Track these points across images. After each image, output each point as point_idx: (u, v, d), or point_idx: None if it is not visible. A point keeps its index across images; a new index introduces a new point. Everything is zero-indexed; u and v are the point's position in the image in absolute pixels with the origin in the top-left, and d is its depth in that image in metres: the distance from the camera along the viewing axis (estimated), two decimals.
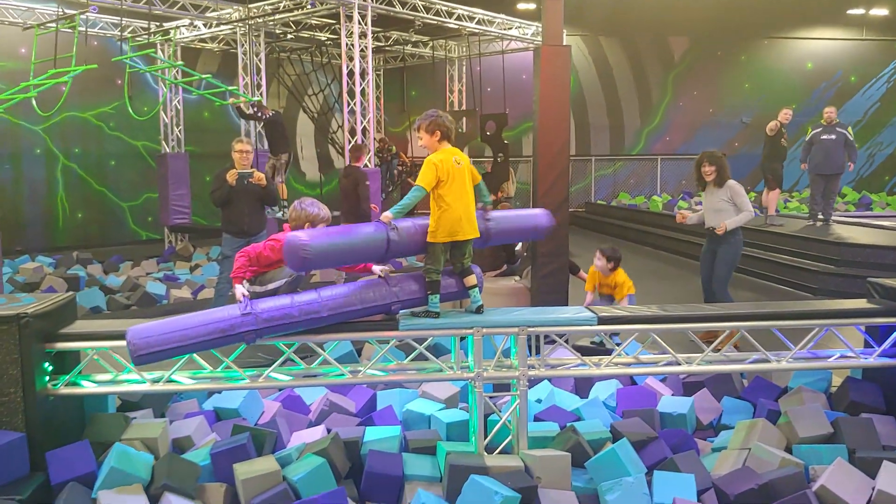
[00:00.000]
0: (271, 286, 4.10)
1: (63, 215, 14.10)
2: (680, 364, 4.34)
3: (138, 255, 12.33)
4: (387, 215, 4.08)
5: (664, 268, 11.91)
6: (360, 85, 10.43)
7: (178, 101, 13.58)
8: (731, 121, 20.42)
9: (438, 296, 4.18)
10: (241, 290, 3.95)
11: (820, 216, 11.12)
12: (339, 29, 12.57)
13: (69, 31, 9.95)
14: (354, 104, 10.47)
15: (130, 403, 4.75)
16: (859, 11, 20.44)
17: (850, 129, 11.01)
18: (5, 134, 13.04)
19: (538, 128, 6.32)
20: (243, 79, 12.25)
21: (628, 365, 4.48)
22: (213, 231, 14.80)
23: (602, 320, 4.20)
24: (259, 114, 11.25)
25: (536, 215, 4.80)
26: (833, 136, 10.58)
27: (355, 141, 10.53)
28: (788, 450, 4.29)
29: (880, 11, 20.43)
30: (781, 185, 11.97)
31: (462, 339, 4.53)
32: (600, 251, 6.78)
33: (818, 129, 10.78)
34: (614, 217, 16.65)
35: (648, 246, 14.02)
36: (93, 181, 14.49)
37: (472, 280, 4.30)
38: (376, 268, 4.30)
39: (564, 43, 6.68)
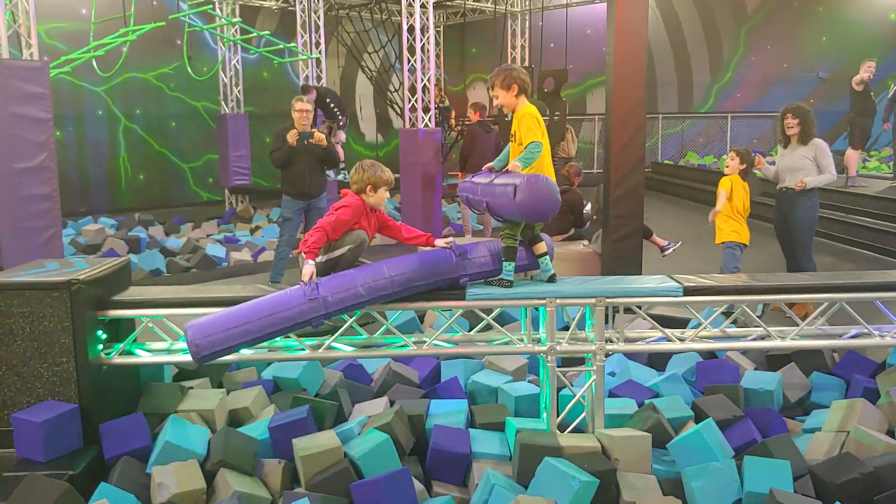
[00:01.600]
0: (335, 254, 3.85)
1: (125, 176, 14.17)
2: (772, 338, 3.95)
3: (199, 217, 12.32)
4: (515, 164, 3.76)
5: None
6: (421, 41, 10.05)
7: (237, 61, 13.41)
8: (808, 76, 19.34)
9: (514, 263, 3.89)
10: (310, 269, 3.69)
11: None
12: None
13: None
14: (415, 61, 10.10)
15: (187, 372, 4.61)
16: None
17: None
18: (67, 95, 13.05)
19: (612, 82, 5.91)
20: (302, 37, 11.99)
21: (715, 339, 4.11)
22: (273, 192, 14.72)
23: (688, 291, 3.84)
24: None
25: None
26: None
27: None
28: (891, 433, 3.90)
29: None
30: (866, 143, 11.24)
31: (535, 308, 4.23)
32: (734, 151, 6.21)
33: None
34: (683, 178, 15.99)
35: (705, 203, 13.40)
36: (154, 142, 14.50)
37: (542, 248, 3.99)
38: (440, 241, 4.04)
39: None
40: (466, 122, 9.64)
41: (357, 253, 3.93)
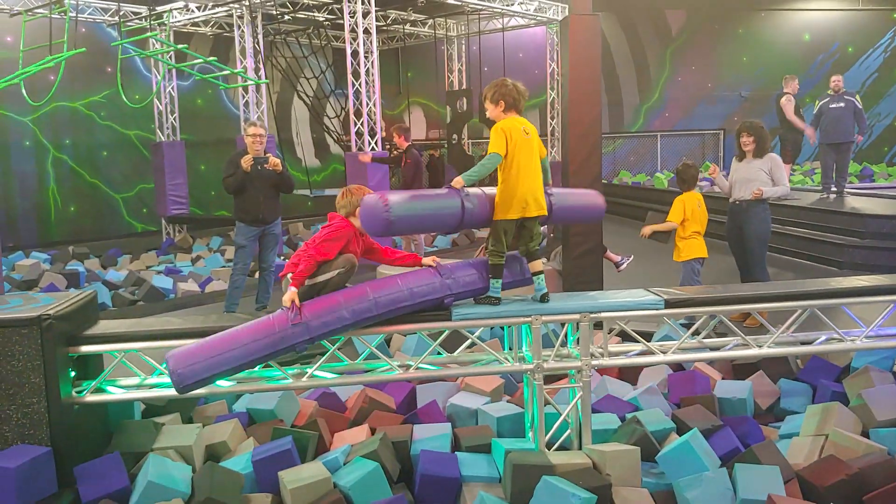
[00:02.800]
0: (321, 278, 3.74)
1: (55, 209, 13.65)
2: (750, 347, 4.04)
3: (135, 248, 11.95)
4: (458, 180, 3.76)
5: None
6: (365, 65, 10.03)
7: (173, 88, 13.13)
8: (731, 95, 20.11)
9: (501, 281, 3.87)
10: (292, 293, 3.59)
11: (833, 189, 10.86)
12: (338, 9, 12.20)
13: (58, 17, 9.53)
14: (359, 85, 10.07)
15: (156, 408, 4.42)
16: None
17: (858, 96, 10.75)
18: None
19: (568, 102, 6.02)
20: (241, 62, 11.82)
21: (693, 350, 4.17)
22: (211, 221, 14.44)
23: (669, 303, 3.89)
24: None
25: (592, 194, 4.51)
26: (842, 104, 10.32)
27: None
28: (866, 434, 4.02)
29: None
30: (798, 156, 11.71)
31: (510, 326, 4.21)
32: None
33: (826, 99, 10.53)
34: (618, 195, 16.31)
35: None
36: (85, 173, 14.03)
37: (538, 265, 3.98)
38: (427, 259, 4.00)
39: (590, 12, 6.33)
40: (411, 147, 9.52)
41: (346, 278, 3.83)
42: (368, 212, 3.65)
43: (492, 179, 3.99)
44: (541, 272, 3.97)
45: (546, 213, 3.93)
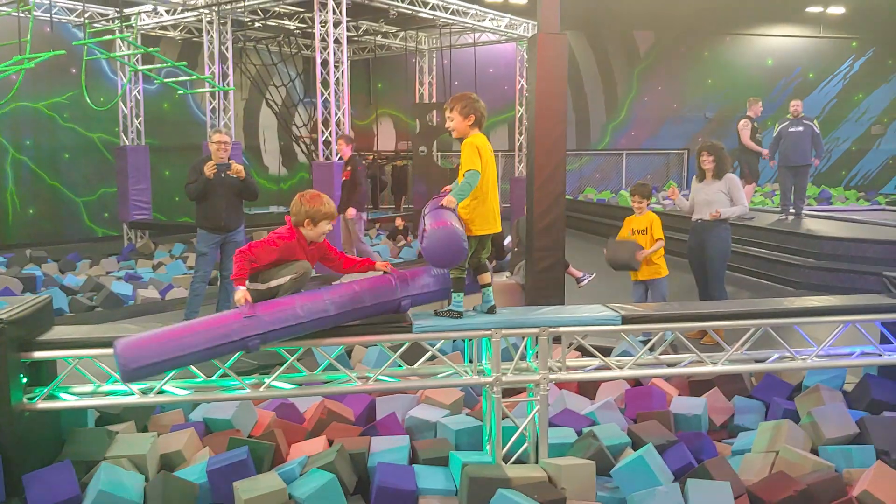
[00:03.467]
0: (273, 283, 3.73)
1: (13, 211, 13.38)
2: (705, 364, 4.11)
3: (96, 253, 11.76)
4: (451, 200, 3.77)
5: None
6: (335, 75, 10.04)
7: (139, 92, 12.99)
8: (696, 115, 20.49)
9: (462, 294, 3.90)
10: (242, 292, 3.58)
11: (791, 210, 11.11)
12: (309, 17, 12.20)
13: (23, 15, 9.38)
14: (328, 94, 10.07)
15: (109, 416, 4.35)
16: (817, 9, 20.66)
17: (815, 121, 11.04)
18: None
19: (534, 118, 6.08)
20: (209, 68, 11.74)
21: (650, 366, 4.23)
22: (173, 227, 14.27)
23: (626, 319, 3.95)
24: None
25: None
26: (801, 129, 10.61)
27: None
28: (814, 452, 4.12)
29: (837, 10, 20.69)
30: (757, 178, 11.93)
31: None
32: (636, 193, 6.46)
33: (785, 123, 10.80)
34: (583, 212, 16.51)
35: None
36: (45, 175, 13.78)
37: (486, 278, 4.03)
38: (379, 264, 4.03)
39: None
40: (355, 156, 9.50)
41: (300, 283, 3.83)
42: (454, 243, 3.61)
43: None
44: (489, 284, 4.01)
45: (501, 230, 4.04)
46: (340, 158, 9.50)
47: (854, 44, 21.34)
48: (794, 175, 10.88)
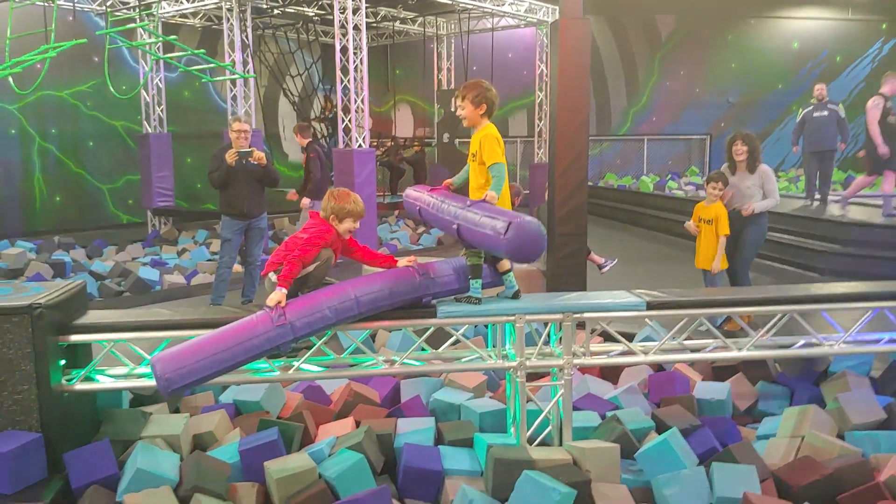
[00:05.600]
0: (302, 272, 3.82)
1: (41, 198, 13.58)
2: (730, 349, 4.13)
3: (120, 240, 11.91)
4: (493, 195, 3.79)
5: (662, 249, 11.77)
6: (354, 62, 10.07)
7: (160, 80, 13.09)
8: (718, 101, 20.32)
9: (481, 281, 3.94)
10: (281, 295, 3.65)
11: (817, 196, 11.01)
12: (328, 4, 12.21)
13: (47, 4, 9.50)
14: (348, 81, 10.11)
15: (142, 397, 4.46)
16: None
17: (841, 105, 10.87)
18: None
19: (556, 104, 6.09)
20: (229, 55, 11.81)
21: (674, 351, 4.26)
22: (196, 214, 14.42)
23: (651, 305, 3.97)
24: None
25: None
26: (825, 113, 10.46)
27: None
28: (840, 437, 4.13)
29: None
30: (880, 171, 9.82)
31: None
32: (712, 179, 6.39)
33: (809, 108, 10.66)
34: (603, 198, 16.47)
35: (641, 227, 13.89)
36: (70, 163, 13.96)
37: (505, 264, 4.06)
38: (402, 260, 4.07)
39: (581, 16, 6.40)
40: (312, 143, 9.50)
41: (324, 271, 3.92)
42: (535, 239, 3.57)
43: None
44: (509, 270, 4.04)
45: None
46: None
47: (884, 25, 21.00)
48: (819, 161, 10.76)
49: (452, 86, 15.99)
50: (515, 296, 4.05)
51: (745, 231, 6.42)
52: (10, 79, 9.15)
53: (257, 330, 3.57)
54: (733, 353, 4.15)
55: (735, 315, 4.34)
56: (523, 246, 3.52)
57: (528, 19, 14.43)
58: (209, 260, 9.97)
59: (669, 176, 18.42)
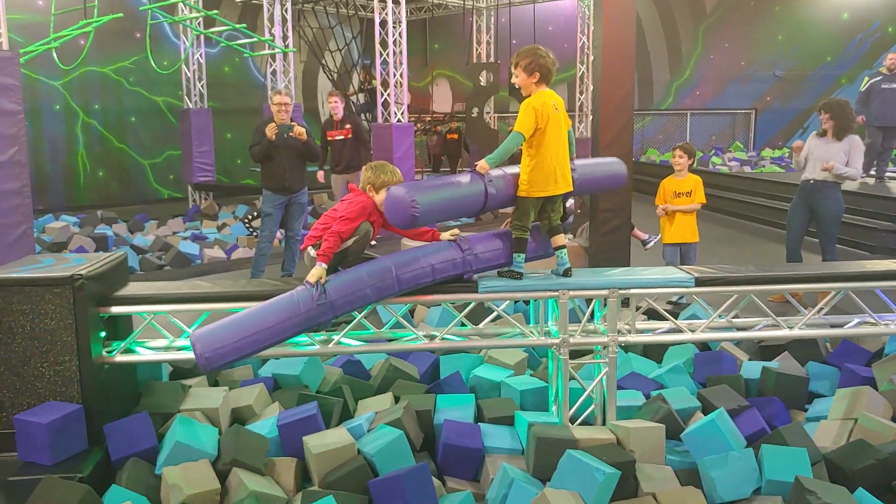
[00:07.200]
0: (341, 246, 3.75)
1: (84, 173, 13.78)
2: (780, 328, 3.99)
3: (162, 214, 12.03)
4: (483, 165, 3.73)
5: (705, 226, 11.50)
6: (393, 35, 9.96)
7: (201, 55, 13.13)
8: (764, 74, 19.75)
9: (524, 255, 3.85)
10: (321, 270, 3.58)
11: (873, 172, 10.57)
12: None
13: None
14: (387, 55, 10.01)
15: (182, 371, 4.47)
16: None
17: None
18: (24, 89, 12.63)
19: (601, 77, 5.93)
20: (269, 30, 11.78)
21: (723, 329, 4.13)
22: (236, 189, 14.51)
23: (699, 282, 3.84)
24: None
25: (612, 162, 4.49)
26: (895, 86, 9.97)
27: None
28: (895, 420, 3.97)
29: None
30: None
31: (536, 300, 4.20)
32: (680, 148, 6.39)
33: (878, 78, 10.06)
34: (646, 174, 16.13)
35: None
36: (113, 138, 14.13)
37: (560, 239, 3.95)
38: (445, 234, 3.97)
39: None
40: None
41: (363, 244, 3.84)
42: (394, 206, 3.60)
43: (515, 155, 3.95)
44: (563, 246, 3.94)
45: (572, 189, 3.91)
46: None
47: None
48: (883, 134, 10.22)
49: (491, 59, 15.79)
50: (566, 273, 3.94)
51: (821, 206, 6.29)
52: (55, 54, 9.23)
53: (298, 308, 3.53)
54: (784, 332, 4.00)
55: (786, 293, 4.17)
56: (390, 213, 3.65)
57: None
58: (248, 234, 10.01)
59: (713, 151, 18.01)
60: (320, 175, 9.15)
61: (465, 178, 3.78)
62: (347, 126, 8.74)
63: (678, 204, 6.32)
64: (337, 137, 8.71)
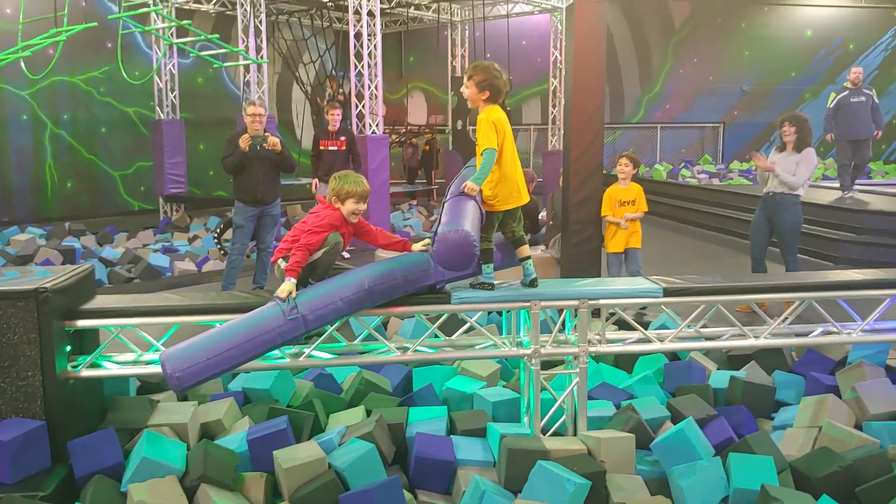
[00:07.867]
0: (310, 258, 3.75)
1: (52, 184, 13.58)
2: (747, 337, 4.04)
3: (132, 226, 11.89)
4: (471, 186, 3.71)
5: (674, 237, 11.66)
6: (368, 48, 9.98)
7: (174, 66, 13.03)
8: (732, 89, 20.08)
9: (492, 265, 3.86)
10: (291, 285, 3.59)
11: (856, 188, 10.53)
12: None
13: None
14: (362, 67, 10.02)
15: (150, 385, 4.41)
16: None
17: (874, 91, 10.40)
18: None
19: (572, 90, 5.99)
20: (243, 41, 11.74)
21: (691, 339, 4.17)
22: (209, 201, 14.40)
23: (668, 292, 3.89)
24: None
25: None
26: (862, 98, 9.93)
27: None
28: (859, 427, 4.03)
29: None
30: None
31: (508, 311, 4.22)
32: (626, 156, 6.45)
33: (845, 93, 10.09)
34: None
35: (654, 215, 13.74)
36: (83, 149, 13.95)
37: (525, 251, 3.98)
38: (417, 245, 3.99)
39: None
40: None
41: (333, 256, 3.84)
42: (459, 249, 3.64)
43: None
44: (528, 257, 3.97)
45: (529, 200, 3.97)
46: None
47: None
48: (854, 149, 10.21)
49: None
50: (533, 284, 3.97)
51: (781, 219, 6.41)
52: (23, 64, 9.12)
53: (269, 324, 3.51)
54: (750, 342, 4.06)
55: (752, 303, 4.23)
56: (446, 258, 3.69)
57: (542, 6, 14.29)
58: (217, 248, 9.92)
59: (683, 164, 18.24)
60: (315, 184, 9.19)
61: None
62: (342, 138, 8.90)
63: (622, 212, 6.35)
64: (330, 148, 8.89)
